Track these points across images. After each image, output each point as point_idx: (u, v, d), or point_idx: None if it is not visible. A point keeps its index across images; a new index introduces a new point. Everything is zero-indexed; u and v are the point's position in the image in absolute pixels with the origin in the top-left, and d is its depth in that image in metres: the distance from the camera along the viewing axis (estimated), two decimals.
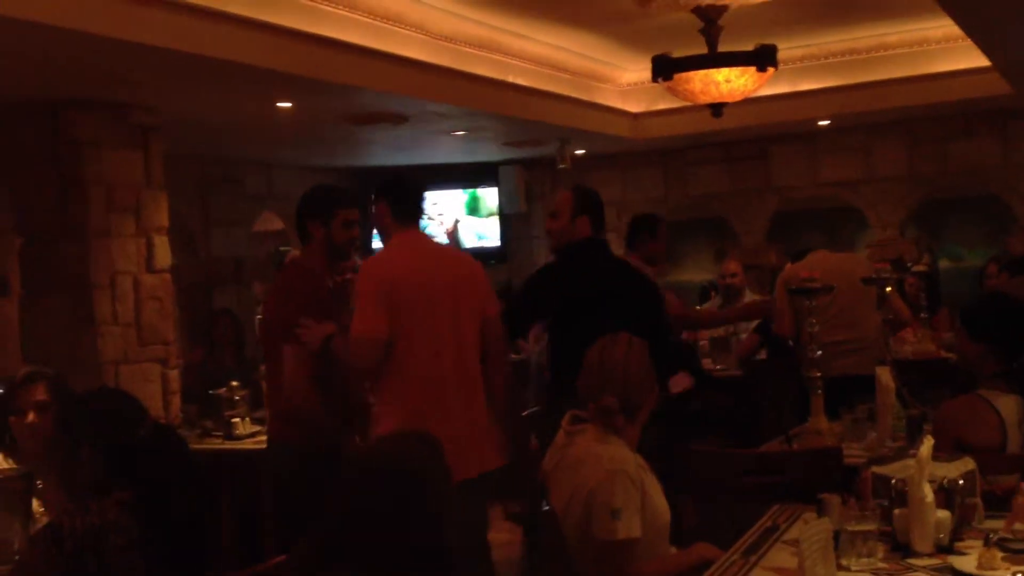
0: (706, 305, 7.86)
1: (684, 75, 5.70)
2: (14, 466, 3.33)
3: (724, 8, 5.76)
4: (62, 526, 2.51)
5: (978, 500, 2.95)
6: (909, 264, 6.77)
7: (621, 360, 3.15)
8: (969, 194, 9.47)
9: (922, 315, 6.49)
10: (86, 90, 5.28)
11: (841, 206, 9.41)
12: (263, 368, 5.99)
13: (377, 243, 4.82)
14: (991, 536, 2.71)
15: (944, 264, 10.41)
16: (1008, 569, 2.52)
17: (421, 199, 3.97)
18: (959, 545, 2.76)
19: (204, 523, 2.80)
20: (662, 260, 5.70)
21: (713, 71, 5.66)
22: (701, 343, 6.93)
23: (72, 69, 4.87)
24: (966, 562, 2.60)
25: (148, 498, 2.58)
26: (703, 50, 5.80)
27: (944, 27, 7.16)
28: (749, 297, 6.98)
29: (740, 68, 5.67)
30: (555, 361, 4.34)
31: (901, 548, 2.77)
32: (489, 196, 10.21)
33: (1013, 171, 8.59)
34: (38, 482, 3.17)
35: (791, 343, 5.35)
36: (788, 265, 5.98)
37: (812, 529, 2.33)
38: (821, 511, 2.91)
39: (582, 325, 4.04)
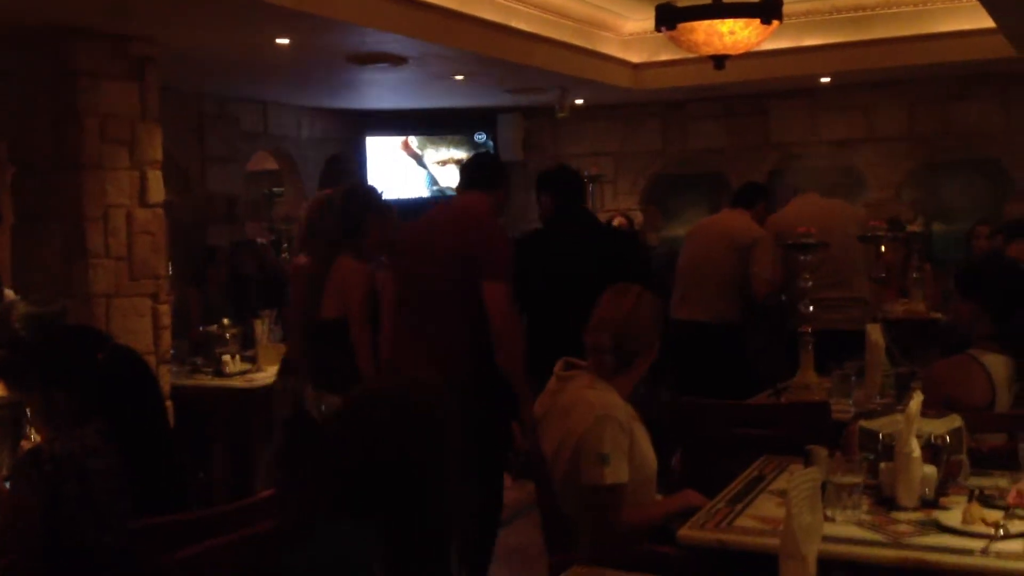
0: None
1: (688, 25, 5.64)
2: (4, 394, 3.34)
3: None
4: (41, 450, 2.56)
5: (964, 457, 2.97)
6: (905, 224, 6.75)
7: (627, 307, 3.16)
8: (968, 157, 9.43)
9: (914, 275, 6.49)
10: (83, 19, 5.21)
11: (840, 165, 9.37)
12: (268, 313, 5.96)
13: None
14: (975, 492, 2.74)
15: (938, 227, 10.39)
16: (990, 524, 2.55)
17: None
18: (943, 500, 2.79)
19: (186, 453, 2.84)
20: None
21: (717, 22, 5.59)
22: None
23: None
24: (950, 517, 2.63)
25: (121, 424, 2.62)
26: (708, 0, 5.74)
27: None
28: None
29: (744, 20, 5.61)
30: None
31: (886, 501, 2.80)
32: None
33: (1013, 135, 8.55)
34: (28, 409, 3.17)
35: (783, 297, 5.35)
36: (771, 217, 5.91)
37: (800, 478, 2.33)
38: (808, 462, 2.93)
39: (534, 305, 4.27)
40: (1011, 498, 2.71)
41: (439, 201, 9.58)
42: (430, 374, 2.24)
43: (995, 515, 2.59)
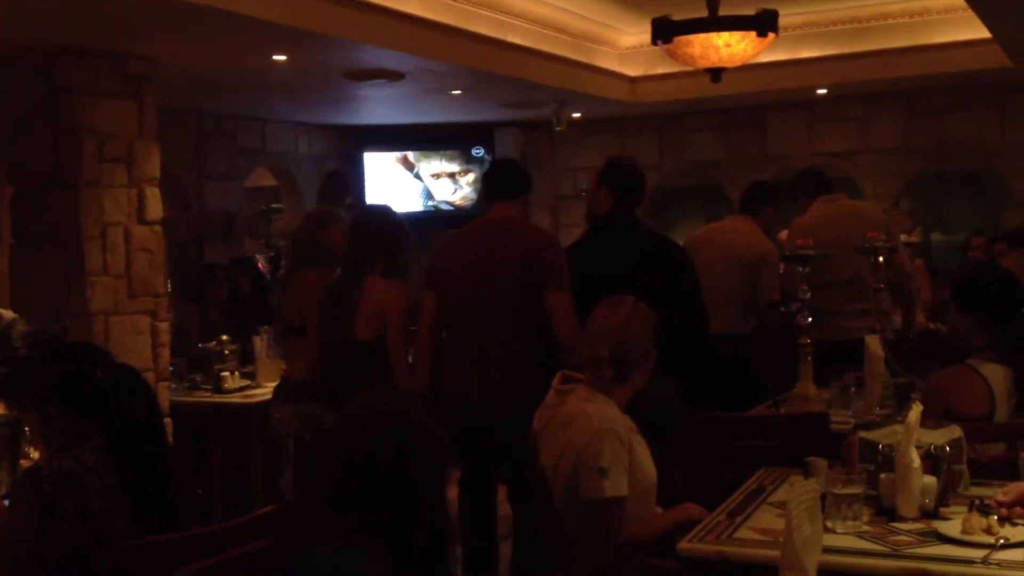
0: None
1: (684, 38, 5.64)
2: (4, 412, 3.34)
3: None
4: (40, 469, 2.55)
5: (964, 467, 2.97)
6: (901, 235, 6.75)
7: (622, 318, 3.16)
8: (965, 168, 9.45)
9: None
10: (81, 38, 5.22)
11: (837, 176, 9.38)
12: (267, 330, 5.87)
13: None
14: (975, 502, 2.73)
15: (936, 237, 10.41)
16: (991, 535, 2.54)
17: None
18: (944, 510, 2.79)
19: (184, 470, 2.83)
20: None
21: (713, 35, 5.59)
22: None
23: (67, 17, 4.81)
24: (950, 527, 2.63)
25: (119, 441, 2.62)
26: (704, 14, 5.75)
27: None
28: None
29: (740, 33, 5.61)
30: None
31: (886, 512, 2.79)
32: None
33: (1010, 146, 8.55)
34: (26, 428, 3.17)
35: (781, 308, 5.32)
36: (795, 221, 5.79)
37: (800, 489, 2.34)
38: (808, 473, 2.93)
39: (586, 304, 4.07)
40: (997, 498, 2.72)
41: (433, 214, 9.65)
42: (418, 391, 2.26)
43: (995, 524, 2.58)
